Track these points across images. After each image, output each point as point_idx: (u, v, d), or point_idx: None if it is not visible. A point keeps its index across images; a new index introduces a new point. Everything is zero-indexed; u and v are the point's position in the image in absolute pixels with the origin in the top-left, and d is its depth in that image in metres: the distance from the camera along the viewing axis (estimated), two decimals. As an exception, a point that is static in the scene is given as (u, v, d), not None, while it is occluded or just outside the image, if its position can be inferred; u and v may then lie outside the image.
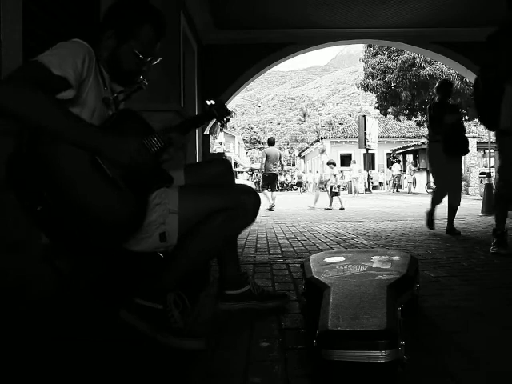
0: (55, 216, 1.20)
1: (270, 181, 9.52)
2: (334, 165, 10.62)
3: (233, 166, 1.97)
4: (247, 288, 1.74)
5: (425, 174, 22.78)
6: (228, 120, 1.70)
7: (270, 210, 9.06)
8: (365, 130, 24.22)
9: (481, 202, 7.88)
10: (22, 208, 1.20)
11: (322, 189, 10.44)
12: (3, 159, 1.20)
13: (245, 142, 56.13)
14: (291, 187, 32.24)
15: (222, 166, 1.73)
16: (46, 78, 1.20)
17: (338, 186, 9.96)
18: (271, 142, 9.87)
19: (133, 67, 1.45)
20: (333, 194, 9.85)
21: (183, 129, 1.56)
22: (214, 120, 1.70)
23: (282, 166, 9.87)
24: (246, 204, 1.48)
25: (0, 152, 1.25)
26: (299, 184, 27.42)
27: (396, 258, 1.87)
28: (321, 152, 10.98)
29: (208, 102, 1.66)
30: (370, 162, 25.86)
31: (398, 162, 26.73)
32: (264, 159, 9.54)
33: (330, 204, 9.80)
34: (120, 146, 1.26)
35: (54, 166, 1.19)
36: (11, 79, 1.16)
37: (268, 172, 9.45)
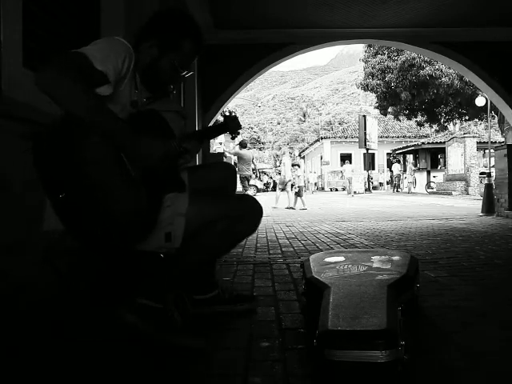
0: (75, 205, 1.23)
1: (242, 182, 9.54)
2: (299, 166, 10.99)
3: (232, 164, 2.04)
4: (216, 292, 1.72)
5: (425, 173, 22.81)
6: (238, 133, 1.81)
7: None
8: (365, 129, 24.24)
9: (481, 201, 7.89)
10: (45, 193, 1.24)
11: (283, 189, 10.69)
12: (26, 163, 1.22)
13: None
14: (291, 187, 32.24)
15: (226, 171, 1.76)
16: (87, 69, 1.22)
17: (299, 187, 10.29)
18: (244, 145, 9.82)
19: (168, 78, 1.50)
20: (297, 195, 10.12)
21: (200, 137, 1.65)
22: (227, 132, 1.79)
23: (255, 167, 10.03)
24: (248, 213, 1.49)
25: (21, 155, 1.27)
26: None
27: (396, 257, 1.87)
28: (282, 154, 11.34)
29: (226, 113, 1.75)
30: (369, 161, 25.88)
31: (398, 161, 26.74)
32: (236, 160, 9.48)
33: (295, 204, 9.96)
34: (147, 146, 1.29)
35: (80, 156, 1.21)
36: (55, 65, 1.17)
37: (242, 173, 9.42)
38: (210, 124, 6.66)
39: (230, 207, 1.48)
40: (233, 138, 1.85)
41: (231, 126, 1.73)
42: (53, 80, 1.15)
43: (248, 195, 1.66)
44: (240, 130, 1.81)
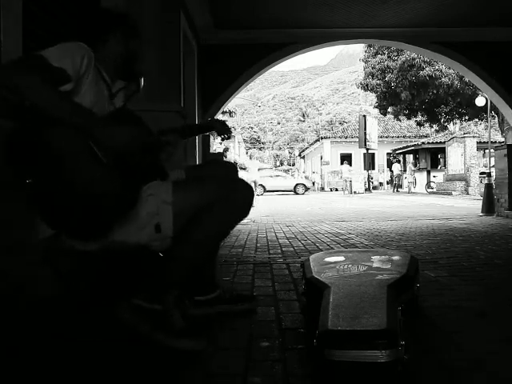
0: (44, 190, 1.25)
1: None
2: (244, 169, 11.92)
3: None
4: (217, 293, 1.71)
5: (425, 173, 22.81)
6: (229, 137, 1.87)
7: None
8: (365, 129, 24.22)
9: (481, 201, 7.89)
10: (15, 181, 1.27)
11: None
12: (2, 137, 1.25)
13: (245, 141, 56.20)
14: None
15: (225, 169, 1.73)
16: (45, 67, 1.27)
17: None
18: (226, 151, 11.08)
19: (138, 58, 1.61)
20: None
21: (181, 132, 1.68)
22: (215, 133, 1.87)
23: None
24: (240, 196, 1.47)
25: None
26: None
27: (396, 257, 1.87)
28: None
29: (211, 118, 1.82)
30: (369, 161, 25.88)
31: (398, 161, 26.74)
32: None
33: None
34: (114, 131, 1.32)
35: (49, 144, 1.24)
36: (12, 63, 1.25)
37: None
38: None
39: (218, 190, 1.46)
40: (222, 140, 1.89)
41: (218, 127, 1.78)
42: (9, 75, 1.20)
43: (237, 177, 1.64)
44: (231, 134, 1.88)
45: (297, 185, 23.14)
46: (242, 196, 1.48)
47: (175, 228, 1.41)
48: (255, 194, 1.57)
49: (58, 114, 1.24)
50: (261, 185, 21.94)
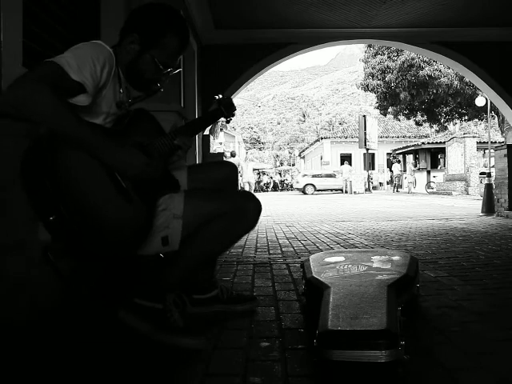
0: (68, 225, 1.20)
1: None
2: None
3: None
4: (215, 292, 1.71)
5: (425, 173, 22.81)
6: (233, 115, 1.70)
7: None
8: (365, 129, 24.24)
9: (481, 201, 7.89)
10: (35, 215, 1.21)
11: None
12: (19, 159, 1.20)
13: (245, 141, 56.27)
14: (291, 187, 32.35)
15: (226, 169, 1.71)
16: (62, 81, 1.18)
17: None
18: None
19: (152, 76, 1.43)
20: None
21: (191, 130, 1.58)
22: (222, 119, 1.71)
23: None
24: (247, 210, 1.47)
25: (16, 153, 1.25)
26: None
27: (396, 257, 1.87)
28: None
29: (216, 97, 1.65)
30: (369, 161, 25.88)
31: (398, 161, 26.75)
32: None
33: None
34: (129, 159, 1.27)
35: (69, 175, 1.20)
36: (27, 79, 1.13)
37: None
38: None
39: (227, 203, 1.45)
40: (228, 122, 1.77)
41: (225, 110, 1.65)
42: (23, 96, 1.10)
43: (246, 191, 1.64)
44: (235, 112, 1.71)
45: None
46: (251, 210, 1.47)
47: (182, 238, 1.41)
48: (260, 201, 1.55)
49: (71, 138, 1.17)
50: (312, 184, 22.44)
